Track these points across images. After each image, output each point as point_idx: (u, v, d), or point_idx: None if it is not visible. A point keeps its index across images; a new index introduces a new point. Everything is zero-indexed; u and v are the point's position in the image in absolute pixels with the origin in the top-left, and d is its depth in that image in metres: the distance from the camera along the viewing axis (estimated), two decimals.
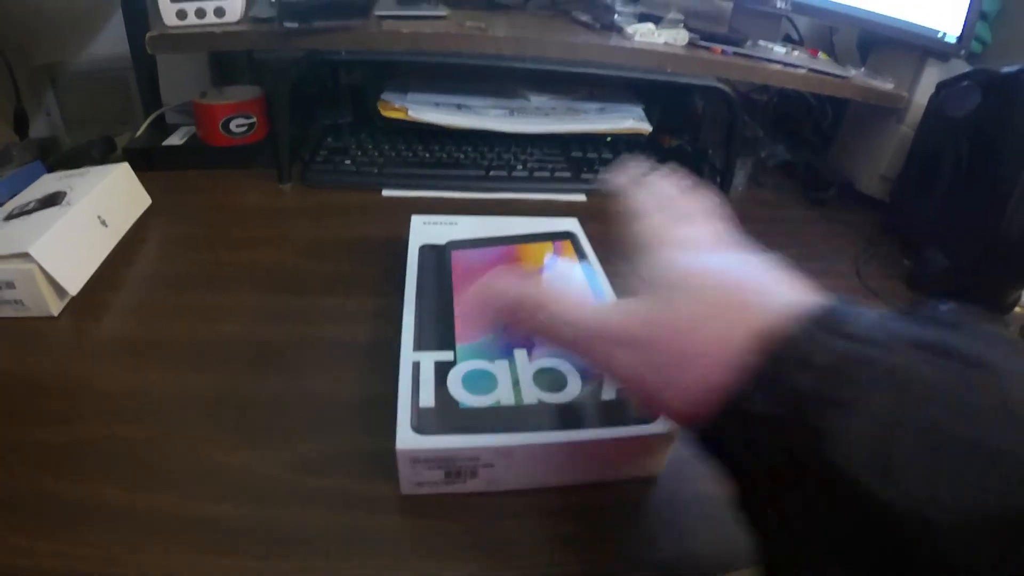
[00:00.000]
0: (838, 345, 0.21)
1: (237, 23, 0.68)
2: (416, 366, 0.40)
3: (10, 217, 0.51)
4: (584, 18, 0.81)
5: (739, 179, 0.82)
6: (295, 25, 0.65)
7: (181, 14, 0.66)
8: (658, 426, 0.37)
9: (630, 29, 0.75)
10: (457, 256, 0.52)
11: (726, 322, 0.23)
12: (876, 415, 0.19)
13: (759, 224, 0.74)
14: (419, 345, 0.41)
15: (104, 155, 0.76)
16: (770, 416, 0.21)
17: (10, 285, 0.46)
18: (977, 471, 0.18)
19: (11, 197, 0.55)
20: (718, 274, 0.25)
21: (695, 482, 0.39)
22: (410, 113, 0.77)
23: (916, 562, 0.18)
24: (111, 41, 0.91)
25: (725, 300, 0.24)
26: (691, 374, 0.23)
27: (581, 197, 0.76)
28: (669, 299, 0.25)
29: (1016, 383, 0.19)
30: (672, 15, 0.77)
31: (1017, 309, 0.62)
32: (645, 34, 0.75)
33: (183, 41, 0.68)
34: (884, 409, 0.19)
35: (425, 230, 0.55)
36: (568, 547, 0.35)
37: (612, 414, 0.37)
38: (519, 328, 0.32)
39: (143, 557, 0.32)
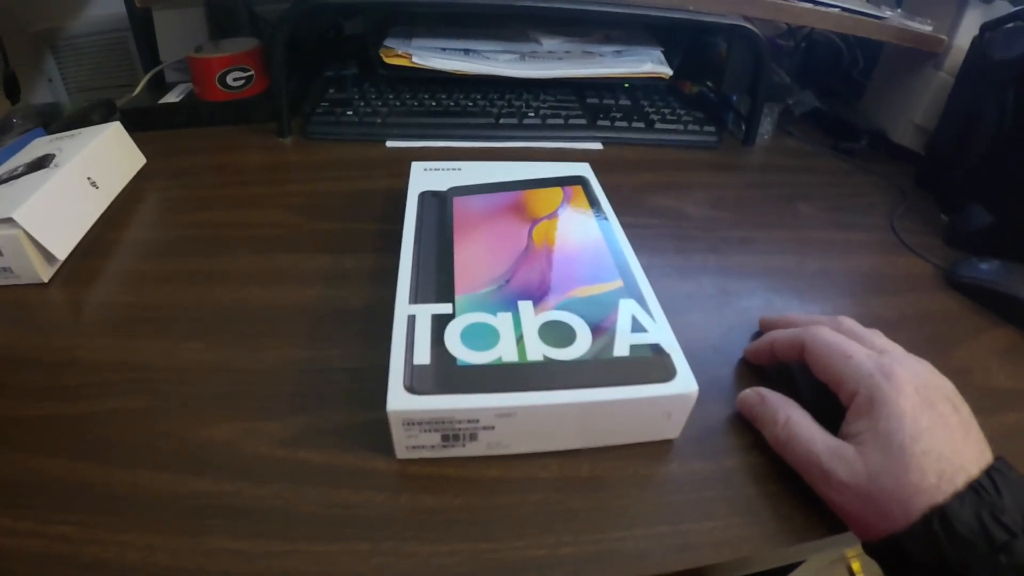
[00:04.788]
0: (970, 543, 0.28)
1: None
2: (411, 320, 0.37)
3: None
4: None
5: (765, 127, 0.78)
6: None
7: None
8: (674, 386, 0.33)
9: None
10: (459, 203, 0.48)
11: (912, 495, 0.29)
12: None
13: (787, 174, 0.71)
14: (415, 298, 0.38)
15: (105, 118, 0.73)
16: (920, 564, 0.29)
17: None
18: None
19: None
20: (924, 454, 0.30)
21: (713, 455, 0.36)
22: (414, 60, 0.73)
23: None
24: (108, 2, 0.88)
25: (919, 480, 0.29)
26: (885, 520, 0.30)
27: (597, 145, 0.72)
28: (887, 468, 0.30)
29: None
30: None
31: None
32: None
33: None
34: None
35: (426, 176, 0.52)
36: (574, 524, 0.32)
37: (624, 372, 0.34)
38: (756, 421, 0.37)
39: (122, 536, 0.30)
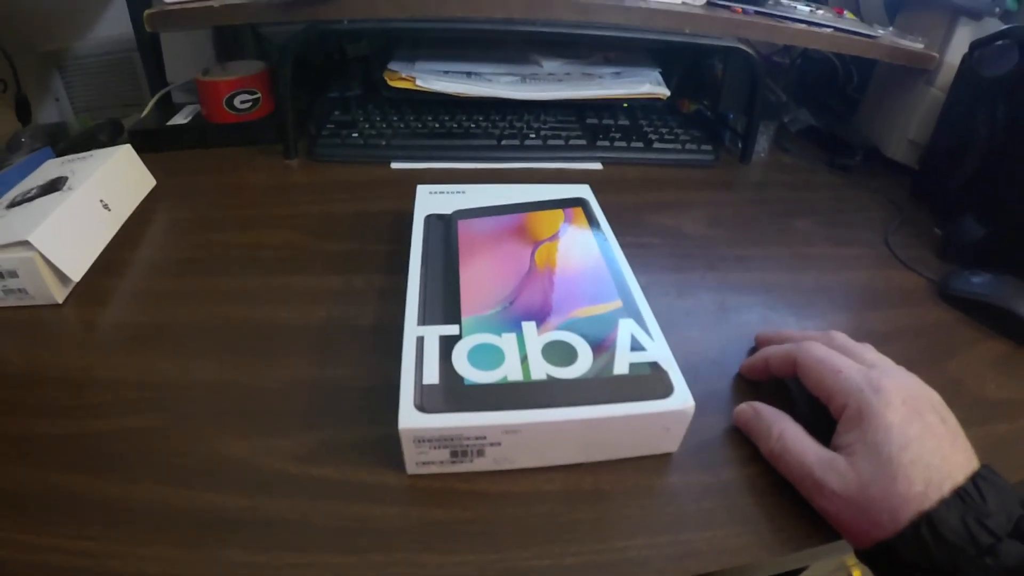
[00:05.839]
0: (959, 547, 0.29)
1: None
2: (420, 341, 0.38)
3: (12, 205, 0.50)
4: None
5: (761, 145, 0.80)
6: None
7: None
8: (672, 402, 0.35)
9: None
10: (464, 226, 0.50)
11: (901, 503, 0.30)
12: None
13: (783, 191, 0.73)
14: (423, 319, 0.39)
15: (112, 139, 0.75)
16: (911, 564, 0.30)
17: (12, 274, 0.45)
18: None
19: None
20: (912, 464, 0.31)
21: (712, 467, 0.37)
22: (418, 82, 0.74)
23: None
24: (115, 23, 0.90)
25: (907, 488, 0.30)
26: (875, 528, 0.31)
27: (597, 165, 0.73)
28: (876, 478, 0.31)
29: None
30: None
31: None
32: None
33: (182, 17, 0.65)
34: None
35: (431, 199, 0.53)
36: (578, 535, 0.33)
37: (624, 389, 0.35)
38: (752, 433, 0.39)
39: (142, 550, 0.31)
